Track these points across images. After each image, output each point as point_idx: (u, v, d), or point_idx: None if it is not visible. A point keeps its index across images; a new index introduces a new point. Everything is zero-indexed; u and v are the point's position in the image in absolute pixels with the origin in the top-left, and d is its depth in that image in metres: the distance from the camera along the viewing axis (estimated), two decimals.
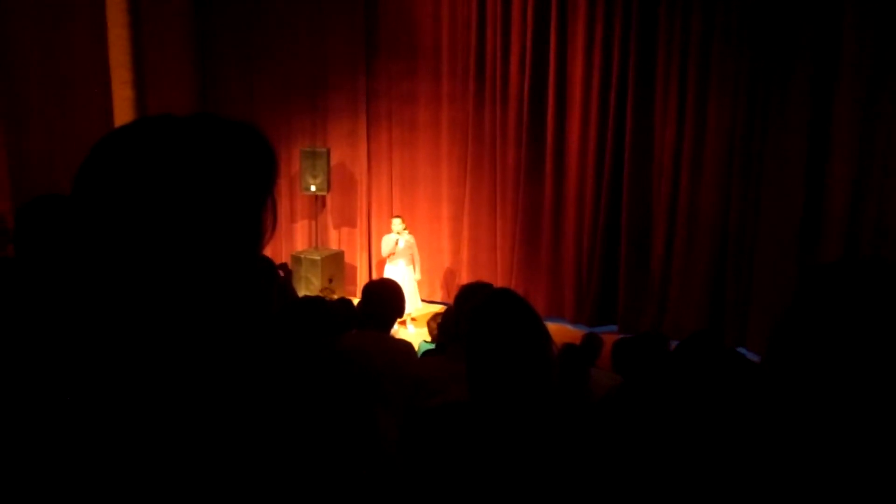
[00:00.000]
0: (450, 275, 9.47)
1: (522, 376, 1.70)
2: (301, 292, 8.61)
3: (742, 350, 6.38)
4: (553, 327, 8.34)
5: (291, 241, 9.97)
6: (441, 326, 3.97)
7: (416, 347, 4.81)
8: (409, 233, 8.65)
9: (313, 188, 9.15)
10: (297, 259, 9.18)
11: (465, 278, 8.94)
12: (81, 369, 0.80)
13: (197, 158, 0.80)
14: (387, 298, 3.52)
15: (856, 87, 6.82)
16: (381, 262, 9.00)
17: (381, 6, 9.24)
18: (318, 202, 9.69)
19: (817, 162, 7.15)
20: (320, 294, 8.30)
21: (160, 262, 0.79)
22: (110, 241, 0.79)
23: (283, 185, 9.71)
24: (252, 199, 0.83)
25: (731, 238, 7.75)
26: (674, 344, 3.86)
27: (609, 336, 6.31)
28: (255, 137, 0.85)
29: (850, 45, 6.80)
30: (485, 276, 8.40)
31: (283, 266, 5.66)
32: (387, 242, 8.55)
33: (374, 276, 9.31)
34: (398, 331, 8.06)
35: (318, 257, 9.09)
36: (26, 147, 7.55)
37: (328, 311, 2.89)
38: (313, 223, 9.72)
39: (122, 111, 7.03)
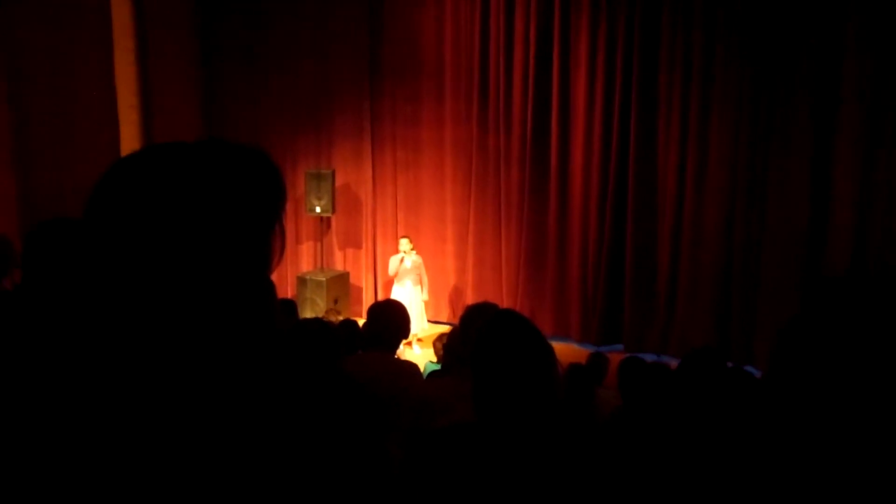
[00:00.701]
0: (455, 295, 9.46)
1: (528, 397, 1.70)
2: (306, 313, 8.61)
3: (749, 367, 6.35)
4: (559, 347, 8.31)
5: (297, 263, 9.99)
6: (446, 347, 3.96)
7: (422, 368, 4.80)
8: (417, 253, 8.67)
9: (318, 210, 9.18)
10: (302, 280, 9.19)
11: (470, 298, 8.93)
12: (90, 393, 0.81)
13: (206, 185, 0.81)
14: (392, 319, 3.52)
15: (859, 103, 6.84)
16: (387, 283, 9.01)
17: (385, 29, 9.32)
18: (324, 223, 9.72)
19: (821, 179, 7.15)
20: (326, 315, 8.31)
21: (170, 288, 0.79)
22: (121, 266, 0.80)
23: (288, 207, 9.57)
24: (261, 224, 0.84)
25: (736, 256, 7.73)
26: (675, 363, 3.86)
27: (616, 355, 6.29)
28: (263, 163, 0.86)
29: (852, 62, 6.84)
30: (490, 296, 8.40)
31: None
32: (393, 262, 8.59)
33: (380, 297, 9.31)
34: (404, 351, 8.05)
35: (324, 278, 9.10)
36: (34, 171, 7.60)
37: (330, 332, 2.88)
38: (318, 244, 9.75)
39: (129, 134, 7.10)
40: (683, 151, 7.91)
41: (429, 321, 8.97)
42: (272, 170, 0.86)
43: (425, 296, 8.72)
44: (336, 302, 9.01)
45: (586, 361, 5.40)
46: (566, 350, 8.08)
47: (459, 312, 8.54)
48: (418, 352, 8.43)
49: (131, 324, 0.80)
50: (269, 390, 0.86)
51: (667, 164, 8.02)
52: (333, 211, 9.27)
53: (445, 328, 8.21)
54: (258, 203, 0.84)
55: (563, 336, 8.71)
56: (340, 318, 6.84)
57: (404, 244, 8.54)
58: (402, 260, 8.48)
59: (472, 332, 1.84)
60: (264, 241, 0.85)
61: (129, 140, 7.06)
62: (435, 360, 5.82)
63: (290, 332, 2.74)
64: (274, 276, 0.91)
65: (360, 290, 9.81)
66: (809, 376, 0.98)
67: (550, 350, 1.80)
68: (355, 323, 5.19)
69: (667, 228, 8.10)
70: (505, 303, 8.76)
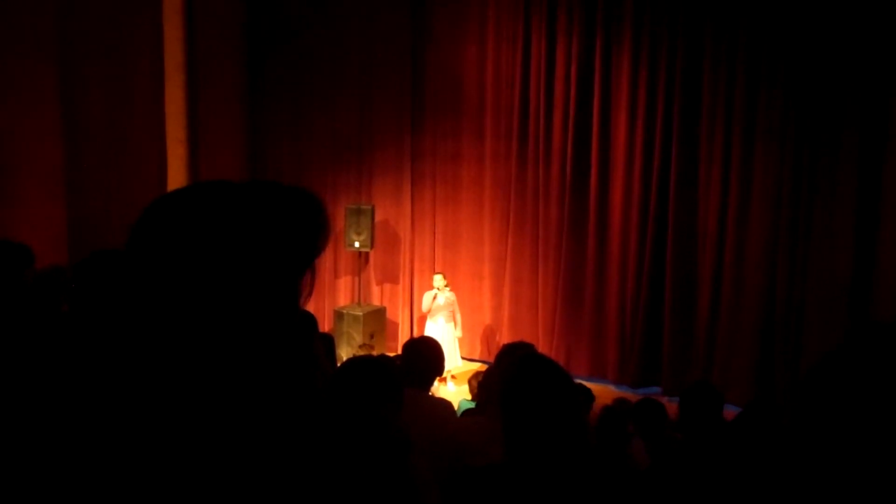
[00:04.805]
0: (490, 332, 9.43)
1: (556, 440, 1.69)
2: (342, 348, 8.65)
3: None
4: (596, 388, 8.18)
5: (334, 297, 10.06)
6: (482, 385, 3.95)
7: (456, 405, 4.78)
8: (451, 290, 8.69)
9: (357, 244, 9.27)
10: (339, 314, 9.25)
11: (505, 336, 8.88)
12: (126, 427, 0.83)
13: (245, 226, 0.83)
14: (427, 356, 3.52)
15: None
16: (423, 319, 9.03)
17: (428, 68, 9.47)
18: (362, 258, 9.80)
19: (867, 225, 7.00)
20: (360, 349, 8.34)
21: (206, 322, 0.81)
22: (160, 299, 0.82)
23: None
24: (297, 264, 0.86)
25: (778, 299, 7.57)
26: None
27: (655, 398, 6.16)
28: (309, 203, 0.87)
29: None
30: (526, 335, 8.34)
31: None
32: (426, 298, 8.63)
33: (416, 333, 9.32)
34: (438, 388, 8.02)
35: (361, 313, 9.14)
36: (84, 201, 7.82)
37: (390, 372, 2.67)
38: (356, 279, 9.82)
39: (176, 167, 7.27)
40: (725, 192, 7.82)
41: (463, 358, 8.94)
42: (317, 209, 0.88)
43: (459, 332, 8.71)
44: (372, 336, 9.04)
45: (611, 405, 5.30)
46: (602, 391, 7.96)
47: (494, 350, 8.53)
48: (452, 389, 8.39)
49: (165, 355, 0.82)
50: (301, 425, 0.88)
51: (707, 204, 7.94)
52: (372, 246, 9.35)
53: (479, 365, 8.18)
54: (297, 244, 0.86)
55: (600, 377, 8.59)
56: (374, 353, 6.86)
57: (438, 281, 8.58)
58: (435, 297, 8.51)
59: (500, 377, 1.86)
60: (297, 279, 0.86)
61: (176, 173, 7.23)
62: (469, 397, 5.79)
63: (345, 371, 2.65)
64: (312, 310, 0.92)
65: (396, 325, 9.83)
66: (834, 419, 0.96)
67: (577, 392, 1.80)
68: (391, 359, 5.19)
69: (707, 269, 7.99)
70: (541, 342, 8.70)
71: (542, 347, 8.25)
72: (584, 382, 5.84)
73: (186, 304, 0.82)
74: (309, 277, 0.88)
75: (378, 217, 9.54)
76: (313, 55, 9.82)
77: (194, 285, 0.81)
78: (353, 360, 2.84)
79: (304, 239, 0.86)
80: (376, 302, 9.90)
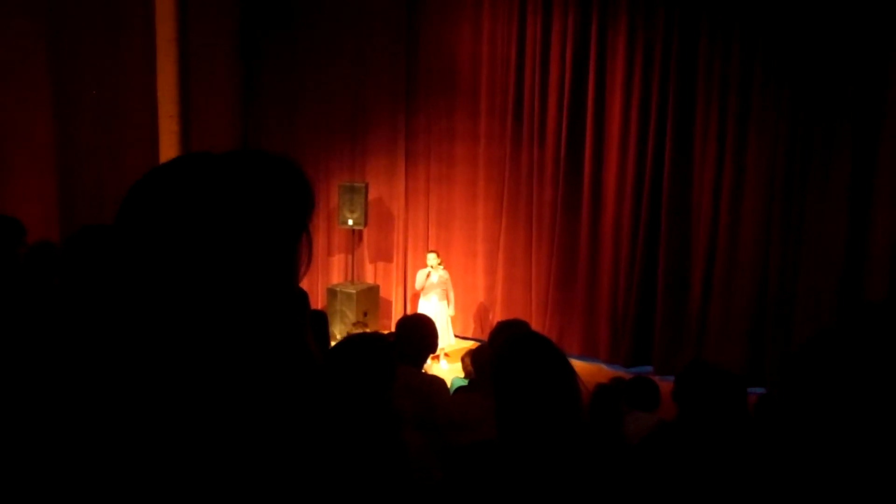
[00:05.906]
0: (483, 311, 9.45)
1: (549, 417, 1.69)
2: (336, 325, 8.66)
3: None
4: (588, 367, 8.25)
5: (328, 275, 10.06)
6: (475, 363, 3.96)
7: (449, 383, 4.79)
8: (444, 268, 8.69)
9: (351, 222, 9.25)
10: (332, 292, 9.25)
11: (498, 315, 8.90)
12: (116, 404, 0.82)
13: (232, 195, 0.82)
14: (420, 334, 3.53)
15: None
16: (416, 297, 9.04)
17: (422, 47, 9.40)
18: (356, 236, 9.78)
19: (860, 207, 7.03)
20: (353, 327, 8.35)
21: (196, 295, 0.80)
22: (149, 273, 0.81)
23: (320, 219, 9.84)
24: (287, 234, 0.85)
25: (771, 279, 7.61)
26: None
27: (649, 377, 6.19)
28: (291, 173, 0.87)
29: (895, 85, 6.74)
30: (519, 314, 8.36)
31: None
32: (419, 276, 8.65)
33: (409, 311, 9.33)
34: (431, 366, 8.05)
35: (354, 291, 9.15)
36: (75, 177, 7.77)
37: (384, 350, 2.65)
38: (350, 257, 9.81)
39: (168, 143, 7.20)
40: (719, 172, 7.83)
41: (456, 336, 8.96)
42: (299, 179, 0.87)
43: (452, 311, 8.73)
44: (365, 314, 9.05)
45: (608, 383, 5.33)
46: (594, 370, 8.02)
47: (487, 328, 8.56)
48: (445, 366, 8.42)
49: (154, 330, 0.81)
50: (290, 400, 0.87)
51: (702, 184, 7.95)
52: (365, 224, 9.33)
53: (472, 343, 8.20)
54: (284, 212, 0.85)
55: (592, 356, 8.63)
56: (367, 330, 6.86)
57: (431, 259, 8.58)
58: (428, 275, 8.52)
59: (492, 354, 1.85)
60: (290, 251, 0.85)
61: (168, 149, 7.17)
62: (462, 375, 5.81)
63: (344, 347, 2.65)
64: (305, 287, 0.91)
65: (389, 303, 9.85)
66: (823, 394, 0.96)
67: (572, 369, 1.79)
68: (385, 337, 5.20)
69: (700, 249, 8.01)
70: (534, 320, 8.73)
71: (534, 326, 8.27)
72: (577, 361, 5.89)
73: (176, 277, 0.81)
74: (305, 251, 0.88)
75: (372, 195, 9.51)
76: (308, 32, 9.72)
77: (183, 257, 0.80)
78: (349, 338, 2.84)
79: (290, 205, 0.85)
80: (370, 280, 9.90)
